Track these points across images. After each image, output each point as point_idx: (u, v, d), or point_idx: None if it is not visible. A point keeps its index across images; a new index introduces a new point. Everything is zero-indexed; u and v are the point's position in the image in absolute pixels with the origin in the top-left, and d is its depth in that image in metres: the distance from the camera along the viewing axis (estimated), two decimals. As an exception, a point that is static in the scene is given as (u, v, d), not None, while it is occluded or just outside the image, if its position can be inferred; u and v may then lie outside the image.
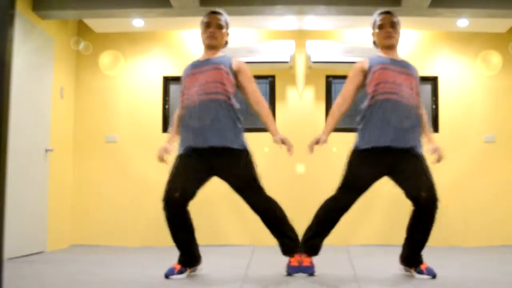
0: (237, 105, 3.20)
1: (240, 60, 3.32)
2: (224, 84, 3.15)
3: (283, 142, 3.16)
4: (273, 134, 3.21)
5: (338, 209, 3.22)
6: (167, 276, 3.12)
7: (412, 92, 3.16)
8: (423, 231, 3.11)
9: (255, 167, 3.21)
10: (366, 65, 3.24)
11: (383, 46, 3.28)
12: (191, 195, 3.11)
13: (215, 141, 3.11)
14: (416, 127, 3.17)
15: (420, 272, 3.12)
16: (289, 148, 3.17)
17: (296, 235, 3.26)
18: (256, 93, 3.25)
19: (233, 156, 3.14)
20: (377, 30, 3.31)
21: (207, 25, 3.27)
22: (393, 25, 3.27)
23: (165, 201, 3.09)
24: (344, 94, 3.27)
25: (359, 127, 3.23)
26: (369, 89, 3.21)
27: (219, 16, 3.28)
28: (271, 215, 3.21)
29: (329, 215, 3.24)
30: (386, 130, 3.11)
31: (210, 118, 3.11)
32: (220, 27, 3.27)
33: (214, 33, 3.25)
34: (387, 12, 3.32)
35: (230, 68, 3.21)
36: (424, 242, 3.14)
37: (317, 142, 3.20)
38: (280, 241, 3.25)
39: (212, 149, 3.12)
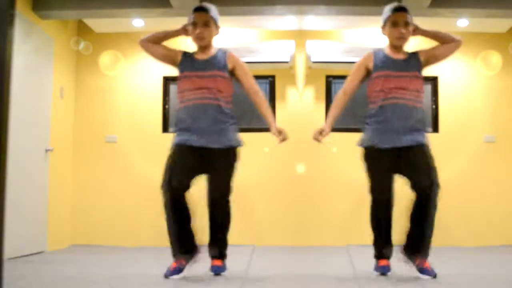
0: (230, 108, 3.25)
1: (233, 54, 3.33)
2: (221, 91, 3.21)
3: (280, 133, 3.25)
4: (270, 126, 3.29)
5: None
6: (166, 276, 3.12)
7: (414, 92, 3.16)
8: (423, 222, 3.11)
9: (235, 167, 3.24)
10: (370, 64, 3.26)
11: (393, 45, 3.26)
12: (187, 186, 3.16)
13: (207, 142, 3.16)
14: (419, 122, 3.18)
15: (421, 272, 3.12)
16: (283, 139, 3.25)
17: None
18: (253, 86, 3.32)
19: (221, 154, 3.18)
20: (389, 28, 3.21)
21: (194, 25, 3.24)
22: (407, 25, 3.20)
23: (164, 188, 3.11)
24: (345, 88, 3.32)
25: (365, 126, 3.26)
26: (371, 93, 3.24)
27: (205, 14, 3.22)
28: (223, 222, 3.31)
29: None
30: (387, 134, 3.14)
31: (204, 120, 3.16)
32: (207, 24, 3.22)
33: (201, 33, 3.22)
34: (402, 9, 3.19)
35: (226, 69, 3.25)
36: (424, 233, 3.13)
37: (320, 132, 3.26)
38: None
39: (203, 148, 3.17)
